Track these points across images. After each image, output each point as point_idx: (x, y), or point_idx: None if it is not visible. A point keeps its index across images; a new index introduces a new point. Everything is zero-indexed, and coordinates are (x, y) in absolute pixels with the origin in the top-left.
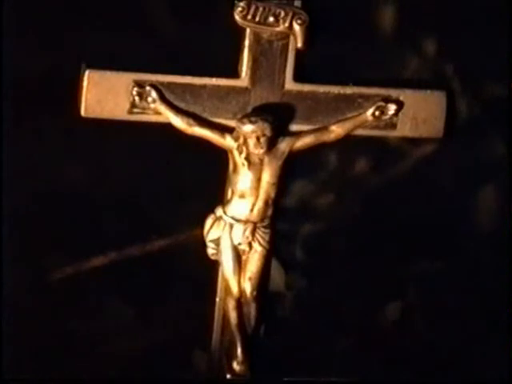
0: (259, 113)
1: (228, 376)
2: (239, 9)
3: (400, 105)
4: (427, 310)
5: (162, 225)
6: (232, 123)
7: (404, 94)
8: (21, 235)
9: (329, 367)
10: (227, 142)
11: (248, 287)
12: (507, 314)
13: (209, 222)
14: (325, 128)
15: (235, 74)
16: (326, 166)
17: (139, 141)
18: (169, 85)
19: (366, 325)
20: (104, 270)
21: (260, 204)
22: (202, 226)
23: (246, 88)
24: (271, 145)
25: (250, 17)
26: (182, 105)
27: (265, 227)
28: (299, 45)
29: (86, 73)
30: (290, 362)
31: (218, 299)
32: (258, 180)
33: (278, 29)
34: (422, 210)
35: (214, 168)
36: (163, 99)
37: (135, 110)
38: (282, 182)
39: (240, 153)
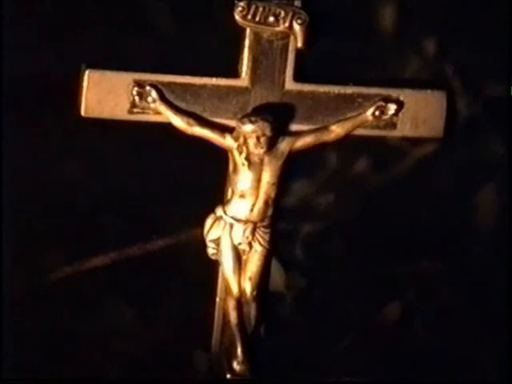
0: (259, 113)
1: (228, 376)
2: (239, 9)
3: (400, 105)
4: (427, 310)
5: (162, 225)
6: (232, 123)
7: (404, 94)
8: (21, 235)
9: (329, 367)
10: (227, 141)
11: (248, 287)
12: (507, 313)
13: (209, 222)
14: (325, 128)
15: (235, 74)
16: (326, 166)
17: (139, 141)
18: (169, 85)
19: (366, 325)
20: (104, 269)
21: (260, 204)
22: (202, 226)
23: (246, 88)
24: (271, 145)
25: (250, 17)
26: (182, 105)
27: (265, 227)
28: (299, 45)
29: (86, 73)
30: (290, 361)
31: (218, 299)
32: (258, 180)
33: (278, 29)
34: (422, 210)
35: (214, 168)
36: (163, 99)
37: (135, 110)
38: (282, 182)
39: (240, 153)
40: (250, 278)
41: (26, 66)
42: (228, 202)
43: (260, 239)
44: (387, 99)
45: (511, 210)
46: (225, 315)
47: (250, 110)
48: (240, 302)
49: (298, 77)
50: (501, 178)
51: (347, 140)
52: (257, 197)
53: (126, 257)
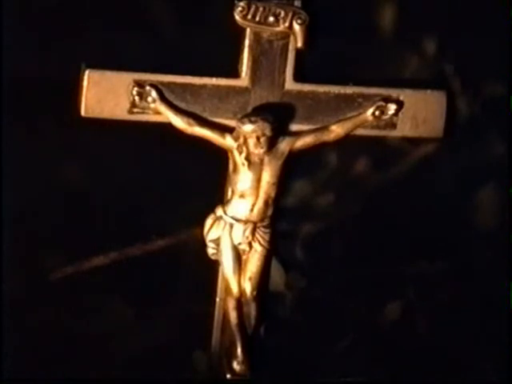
0: (259, 112)
1: (228, 376)
2: (239, 9)
3: (400, 105)
4: (427, 310)
5: (162, 225)
6: (232, 123)
7: (404, 94)
8: (21, 235)
9: (329, 367)
10: (227, 141)
11: (248, 287)
12: (507, 313)
13: (209, 222)
14: (325, 128)
15: (235, 74)
16: (326, 166)
17: (139, 141)
18: (169, 85)
19: (366, 325)
20: (104, 269)
21: (260, 204)
22: (202, 226)
23: (246, 88)
24: (271, 145)
25: (249, 16)
26: (182, 105)
27: (265, 227)
28: (299, 45)
29: (86, 73)
30: (289, 362)
31: (218, 299)
32: (258, 180)
33: (278, 28)
34: (422, 210)
35: (213, 168)
36: (163, 99)
37: (135, 110)
38: (282, 182)
39: (240, 153)
40: (250, 278)
41: (26, 67)
42: (228, 202)
43: (260, 239)
44: (387, 99)
45: (511, 209)
46: (225, 315)
47: (249, 110)
48: (240, 302)
49: (298, 77)
50: (501, 178)
51: (347, 140)
52: (257, 197)
53: (126, 257)
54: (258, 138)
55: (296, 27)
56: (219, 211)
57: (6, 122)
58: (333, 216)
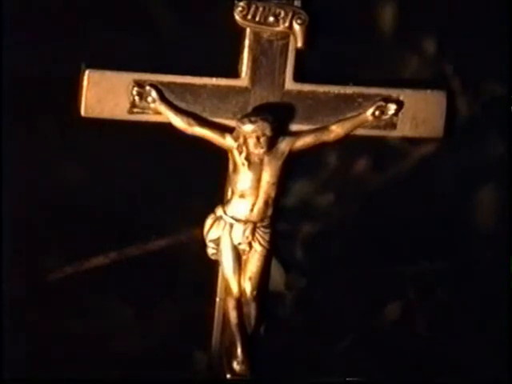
0: (259, 112)
1: (228, 376)
2: (239, 9)
3: (400, 105)
4: (427, 310)
5: (162, 225)
6: (232, 123)
7: (404, 94)
8: (21, 235)
9: (329, 367)
10: (227, 141)
11: (248, 287)
12: (507, 313)
13: (209, 221)
14: (325, 128)
15: (235, 74)
16: (326, 166)
17: (139, 141)
18: (169, 85)
19: (366, 325)
20: (104, 269)
21: (260, 204)
22: (202, 226)
23: (246, 88)
24: (271, 145)
25: (249, 17)
26: (182, 105)
27: (265, 227)
28: (299, 45)
29: (86, 73)
30: (290, 361)
31: (218, 299)
32: (258, 180)
33: (277, 29)
34: (422, 210)
35: (214, 168)
36: (163, 99)
37: (135, 110)
38: (282, 182)
39: (240, 153)
40: (250, 278)
41: (26, 66)
42: (228, 202)
43: (260, 239)
44: (387, 99)
45: (511, 209)
46: (225, 315)
47: (249, 109)
48: (240, 302)
49: (298, 77)
50: (501, 178)
51: (347, 140)
52: (257, 197)
53: (125, 257)
54: (257, 138)
55: (296, 27)
56: (219, 211)
57: (6, 121)
58: (333, 216)
